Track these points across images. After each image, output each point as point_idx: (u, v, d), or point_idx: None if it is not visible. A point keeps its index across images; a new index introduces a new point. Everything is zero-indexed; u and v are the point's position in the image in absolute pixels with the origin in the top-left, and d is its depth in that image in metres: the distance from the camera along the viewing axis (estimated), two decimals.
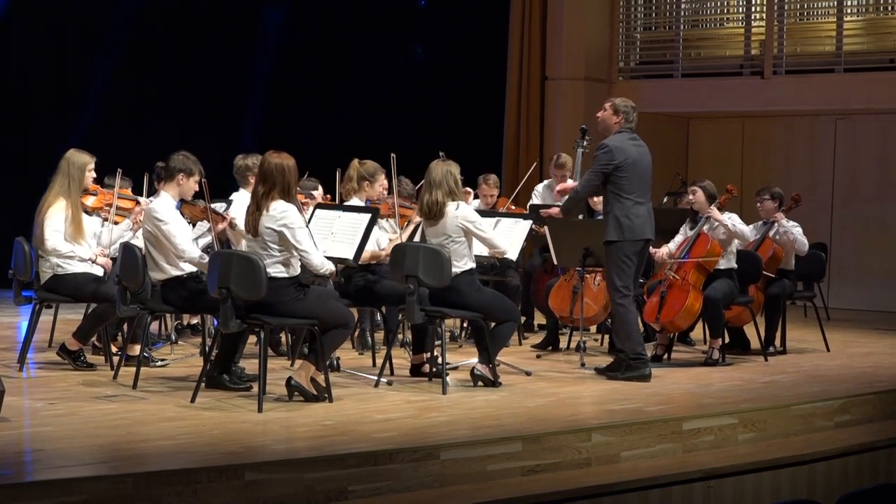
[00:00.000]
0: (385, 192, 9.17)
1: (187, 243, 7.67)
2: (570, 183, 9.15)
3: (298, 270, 7.28)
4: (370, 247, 8.34)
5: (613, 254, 8.33)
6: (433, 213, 7.95)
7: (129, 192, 9.07)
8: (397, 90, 15.73)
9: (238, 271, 7.01)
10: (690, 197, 9.55)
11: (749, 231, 9.52)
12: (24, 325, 9.14)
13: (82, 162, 8.38)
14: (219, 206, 8.97)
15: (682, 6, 15.85)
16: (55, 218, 8.22)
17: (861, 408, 8.02)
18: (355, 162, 8.81)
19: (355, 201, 8.67)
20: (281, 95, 15.03)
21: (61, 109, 13.77)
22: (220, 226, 7.76)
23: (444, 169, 8.01)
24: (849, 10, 14.80)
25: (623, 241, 8.27)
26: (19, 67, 13.55)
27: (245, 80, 14.97)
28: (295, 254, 7.20)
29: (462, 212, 7.99)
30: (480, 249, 8.61)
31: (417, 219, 8.64)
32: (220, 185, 9.13)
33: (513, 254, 9.15)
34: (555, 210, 9.04)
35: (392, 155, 8.88)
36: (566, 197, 8.85)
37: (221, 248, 7.89)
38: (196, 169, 7.89)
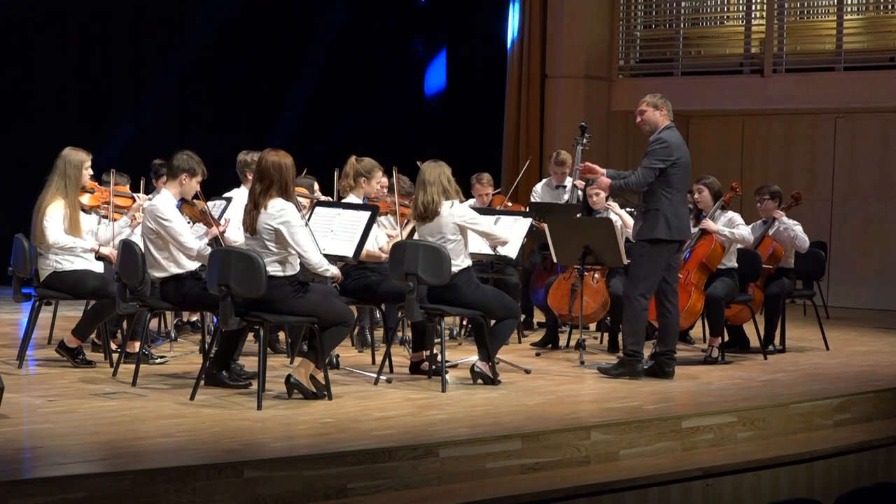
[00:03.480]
0: (384, 191, 9.18)
1: (192, 240, 7.68)
2: (598, 168, 8.70)
3: (297, 268, 7.28)
4: (370, 246, 8.35)
5: (653, 252, 8.19)
6: (428, 213, 7.96)
7: (126, 189, 9.08)
8: (397, 88, 15.73)
9: (238, 269, 7.01)
10: (696, 196, 9.51)
11: (748, 233, 9.46)
12: (24, 321, 9.15)
13: (79, 160, 8.37)
14: (218, 205, 8.99)
15: (683, 4, 15.85)
16: (54, 214, 8.22)
17: (860, 406, 8.02)
18: (352, 159, 8.80)
19: (352, 198, 8.66)
20: (279, 95, 15.04)
21: (60, 106, 13.79)
22: (215, 231, 7.77)
23: (437, 170, 8.03)
24: (849, 9, 14.79)
25: (669, 240, 8.16)
26: (19, 68, 13.56)
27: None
28: (293, 252, 7.20)
29: (457, 210, 8.00)
30: (479, 247, 8.61)
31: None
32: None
33: (513, 251, 9.17)
34: (605, 182, 8.41)
35: (394, 168, 8.92)
36: (619, 180, 8.37)
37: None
38: (199, 169, 7.87)
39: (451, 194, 8.02)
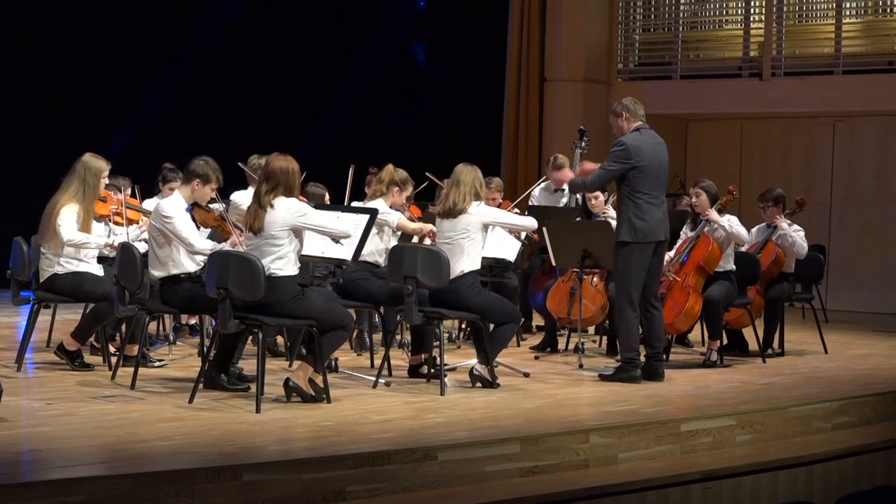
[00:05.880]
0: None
1: (196, 237, 7.69)
2: (591, 165, 8.90)
3: (297, 269, 7.29)
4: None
5: (625, 256, 8.25)
6: (453, 212, 8.01)
7: (136, 202, 9.07)
8: (397, 89, 15.73)
9: (236, 271, 7.01)
10: (693, 199, 9.51)
11: (746, 233, 9.49)
12: (23, 324, 9.14)
13: (98, 168, 8.36)
14: (217, 207, 8.98)
15: (681, 8, 15.86)
16: (68, 215, 8.20)
17: (859, 409, 8.03)
18: (390, 167, 8.90)
19: (379, 203, 8.69)
20: (280, 96, 15.05)
21: (61, 108, 13.79)
22: (237, 240, 7.72)
23: (472, 174, 8.13)
24: (847, 13, 14.80)
25: (635, 242, 8.21)
26: (19, 70, 13.55)
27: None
28: (321, 235, 7.35)
29: (483, 209, 8.10)
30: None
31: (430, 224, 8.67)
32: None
33: (511, 255, 9.17)
34: (566, 175, 8.86)
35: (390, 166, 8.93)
36: (582, 177, 8.62)
37: None
38: (214, 177, 7.86)
39: (481, 198, 8.14)
